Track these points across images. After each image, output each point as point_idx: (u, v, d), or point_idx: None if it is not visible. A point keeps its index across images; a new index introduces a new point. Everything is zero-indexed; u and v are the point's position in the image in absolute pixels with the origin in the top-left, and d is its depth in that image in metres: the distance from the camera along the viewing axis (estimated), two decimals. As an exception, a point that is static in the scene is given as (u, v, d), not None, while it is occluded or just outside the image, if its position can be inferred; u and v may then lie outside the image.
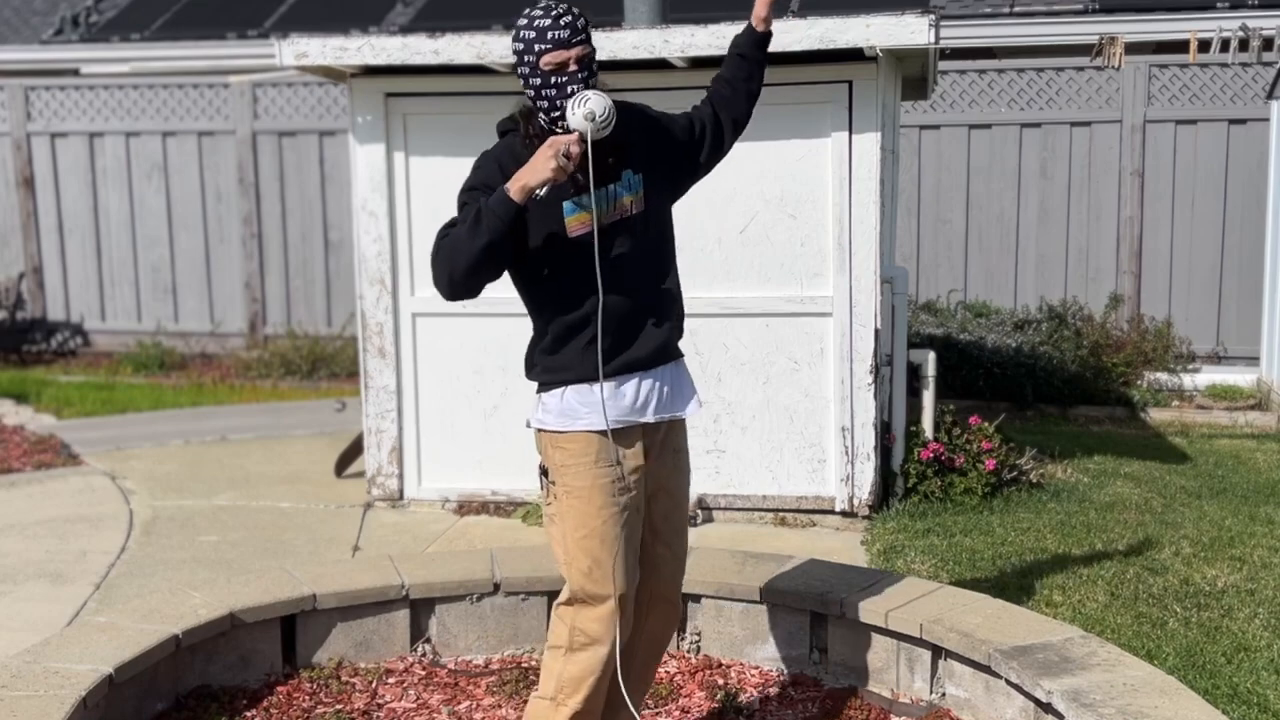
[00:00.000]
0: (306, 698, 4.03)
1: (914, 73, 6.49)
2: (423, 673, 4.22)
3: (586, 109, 2.89)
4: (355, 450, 6.60)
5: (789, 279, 5.66)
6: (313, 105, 10.75)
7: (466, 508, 5.93)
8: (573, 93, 2.99)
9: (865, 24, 5.14)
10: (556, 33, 2.96)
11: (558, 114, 3.01)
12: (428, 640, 4.36)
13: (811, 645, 4.20)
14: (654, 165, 3.18)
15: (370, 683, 4.13)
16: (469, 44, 5.44)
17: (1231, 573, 4.86)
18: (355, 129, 5.87)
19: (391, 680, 4.17)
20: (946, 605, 3.99)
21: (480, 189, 3.04)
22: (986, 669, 3.70)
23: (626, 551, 3.12)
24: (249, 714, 3.92)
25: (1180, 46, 8.64)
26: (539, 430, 3.18)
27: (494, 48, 5.41)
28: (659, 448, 3.23)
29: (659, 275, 3.18)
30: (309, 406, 8.81)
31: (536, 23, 2.98)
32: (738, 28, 5.19)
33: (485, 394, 5.91)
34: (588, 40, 3.03)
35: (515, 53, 3.04)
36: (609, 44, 5.32)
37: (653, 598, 3.30)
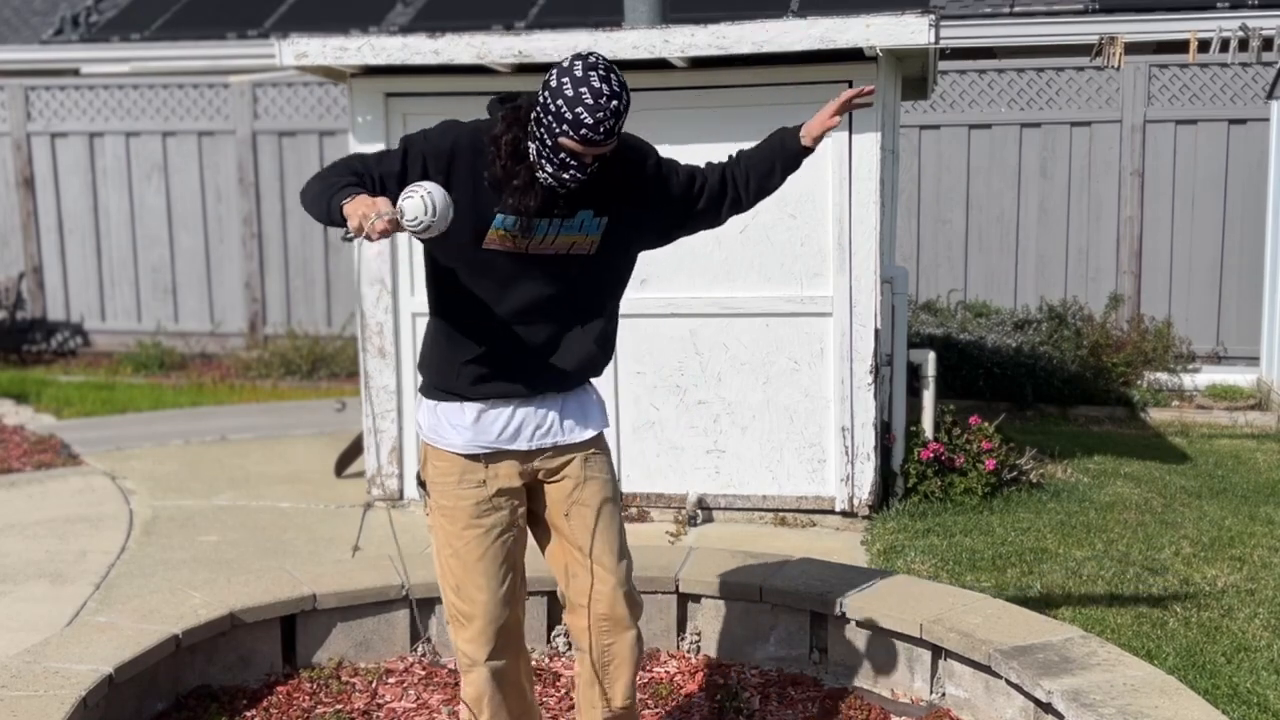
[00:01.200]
0: (306, 698, 4.03)
1: (914, 73, 6.49)
2: (423, 673, 4.22)
3: (406, 204, 2.64)
4: (355, 450, 6.60)
5: (789, 279, 5.66)
6: (313, 105, 10.76)
7: (466, 508, 5.93)
8: (525, 177, 2.81)
9: (865, 24, 5.13)
10: (591, 134, 2.71)
11: (543, 171, 2.81)
12: (428, 640, 4.36)
13: (811, 645, 4.20)
14: (625, 214, 2.99)
15: (370, 683, 4.13)
16: (469, 44, 5.44)
17: (1231, 573, 4.86)
18: (355, 129, 5.86)
19: (391, 680, 4.17)
20: (946, 605, 3.99)
21: (417, 152, 2.86)
22: (986, 669, 3.70)
23: (495, 574, 3.00)
24: (249, 714, 3.92)
25: (1180, 46, 8.64)
26: (418, 434, 3.10)
27: (494, 48, 5.41)
28: (556, 467, 3.06)
29: (579, 320, 3.00)
30: (309, 406, 8.81)
31: (578, 111, 2.70)
32: (738, 28, 5.22)
33: (485, 394, 5.91)
34: (619, 134, 2.82)
35: (541, 102, 2.76)
36: (609, 44, 5.32)
37: (595, 617, 3.08)
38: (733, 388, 5.73)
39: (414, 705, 4.00)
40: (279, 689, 4.07)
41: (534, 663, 4.30)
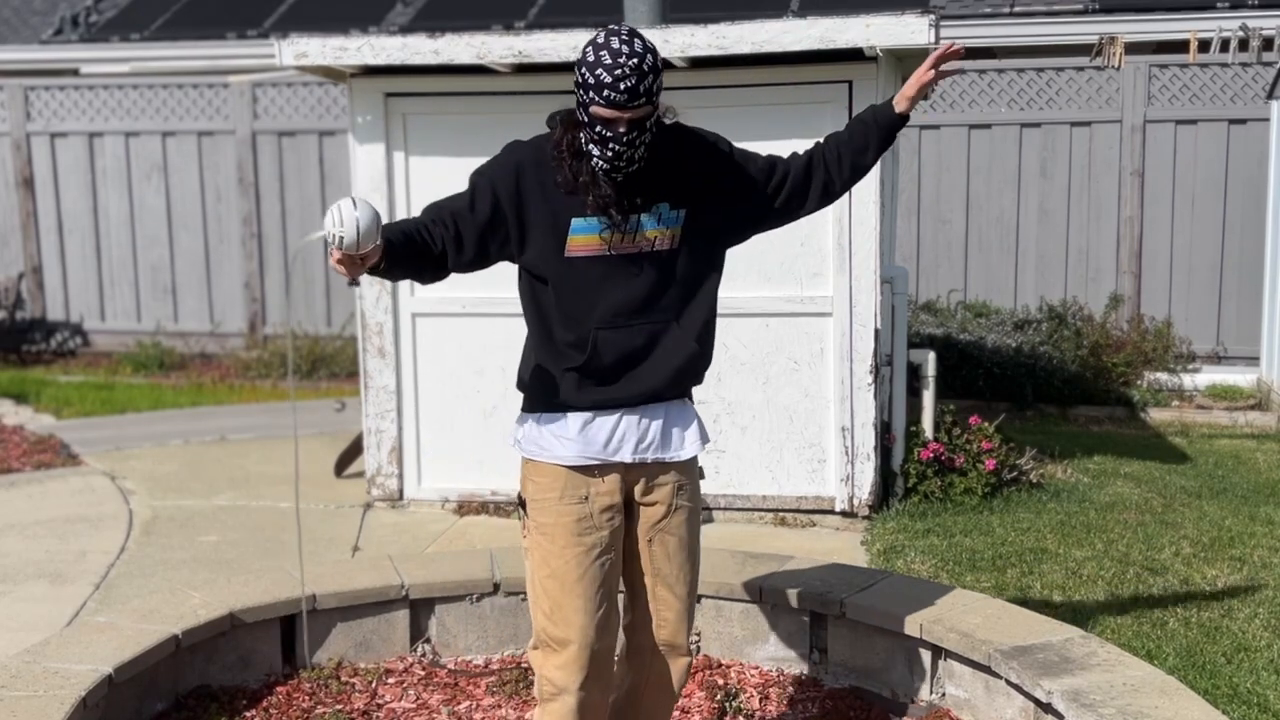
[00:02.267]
0: (306, 698, 4.03)
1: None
2: (422, 673, 4.22)
3: (328, 221, 2.65)
4: (355, 450, 6.60)
5: (789, 279, 5.66)
6: (312, 105, 10.75)
7: (466, 508, 5.93)
8: (589, 172, 2.80)
9: (865, 24, 5.13)
10: (613, 94, 2.71)
11: (595, 158, 2.81)
12: (427, 640, 4.36)
13: (811, 645, 4.20)
14: (704, 206, 2.95)
15: (370, 683, 4.13)
16: (469, 44, 5.44)
17: (1231, 573, 4.86)
18: (355, 129, 5.86)
19: (391, 680, 4.17)
20: (946, 605, 3.99)
21: (485, 182, 2.89)
22: (986, 669, 3.70)
23: (592, 596, 2.90)
24: (249, 714, 3.92)
25: (1180, 46, 8.63)
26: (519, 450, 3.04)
27: (494, 48, 5.41)
28: (650, 487, 3.00)
29: (674, 319, 2.94)
30: (309, 406, 8.81)
31: (599, 73, 2.71)
32: (738, 28, 5.22)
33: (485, 394, 5.91)
34: (649, 100, 2.76)
35: (576, 82, 2.79)
36: (609, 44, 5.32)
37: (656, 644, 3.06)
38: (732, 388, 5.73)
39: (414, 705, 4.00)
40: (279, 689, 4.07)
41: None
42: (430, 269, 2.92)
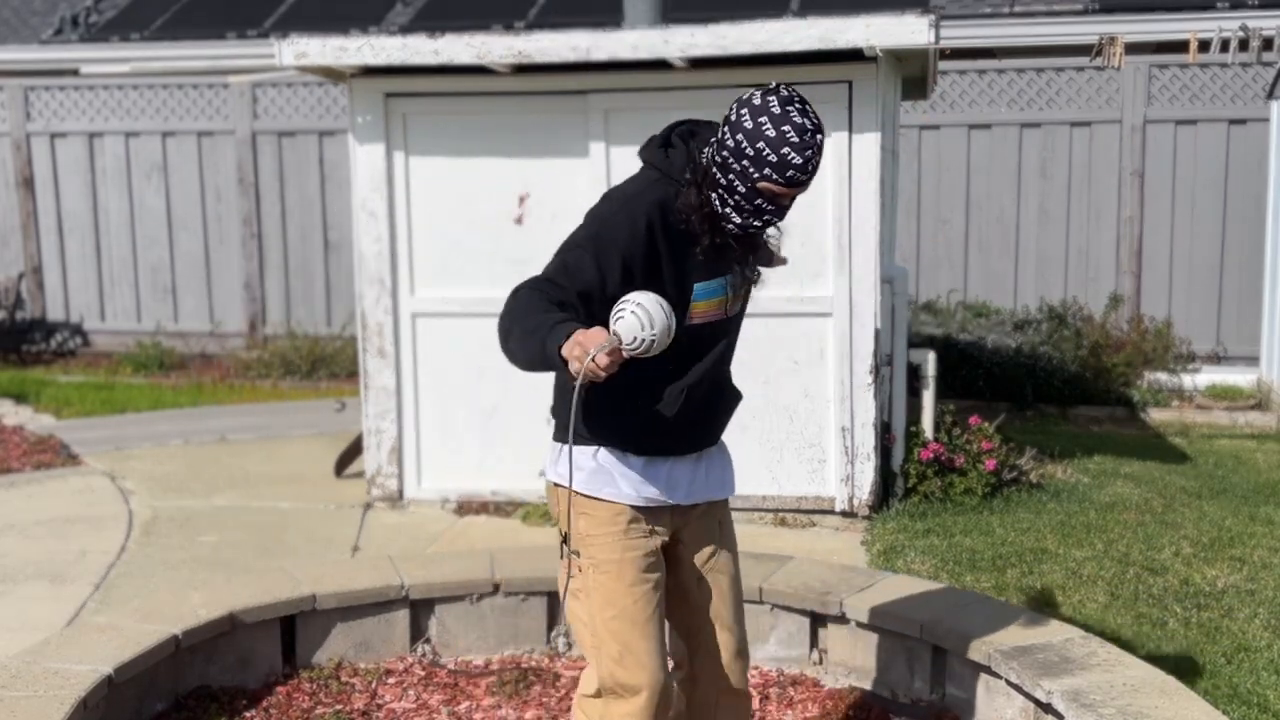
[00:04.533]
0: (306, 698, 4.03)
1: (914, 73, 6.48)
2: (422, 673, 4.22)
3: (620, 326, 2.38)
4: (355, 450, 6.60)
5: (789, 279, 5.66)
6: (312, 105, 10.75)
7: (466, 508, 5.93)
8: (719, 235, 2.63)
9: (865, 24, 5.13)
10: (797, 174, 2.55)
11: (731, 223, 2.64)
12: (427, 640, 4.36)
13: (811, 645, 4.20)
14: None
15: (370, 683, 4.13)
16: (469, 44, 5.44)
17: (1231, 573, 4.86)
18: (355, 129, 5.86)
19: (391, 680, 4.17)
20: (946, 605, 3.99)
21: (614, 255, 2.59)
22: (986, 669, 3.70)
23: (661, 637, 2.77)
24: (249, 714, 3.92)
25: (1180, 46, 8.63)
26: (557, 486, 2.83)
27: (494, 48, 5.41)
28: (696, 527, 2.91)
29: (728, 372, 2.93)
30: (309, 406, 8.80)
31: (784, 151, 2.52)
32: (738, 28, 5.22)
33: (485, 394, 5.91)
34: (813, 177, 2.62)
35: (732, 147, 2.56)
36: (609, 44, 5.32)
37: (722, 692, 2.94)
38: (733, 388, 5.72)
39: (414, 705, 4.00)
40: (279, 689, 4.07)
41: (533, 663, 4.30)
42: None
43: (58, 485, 6.54)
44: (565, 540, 2.82)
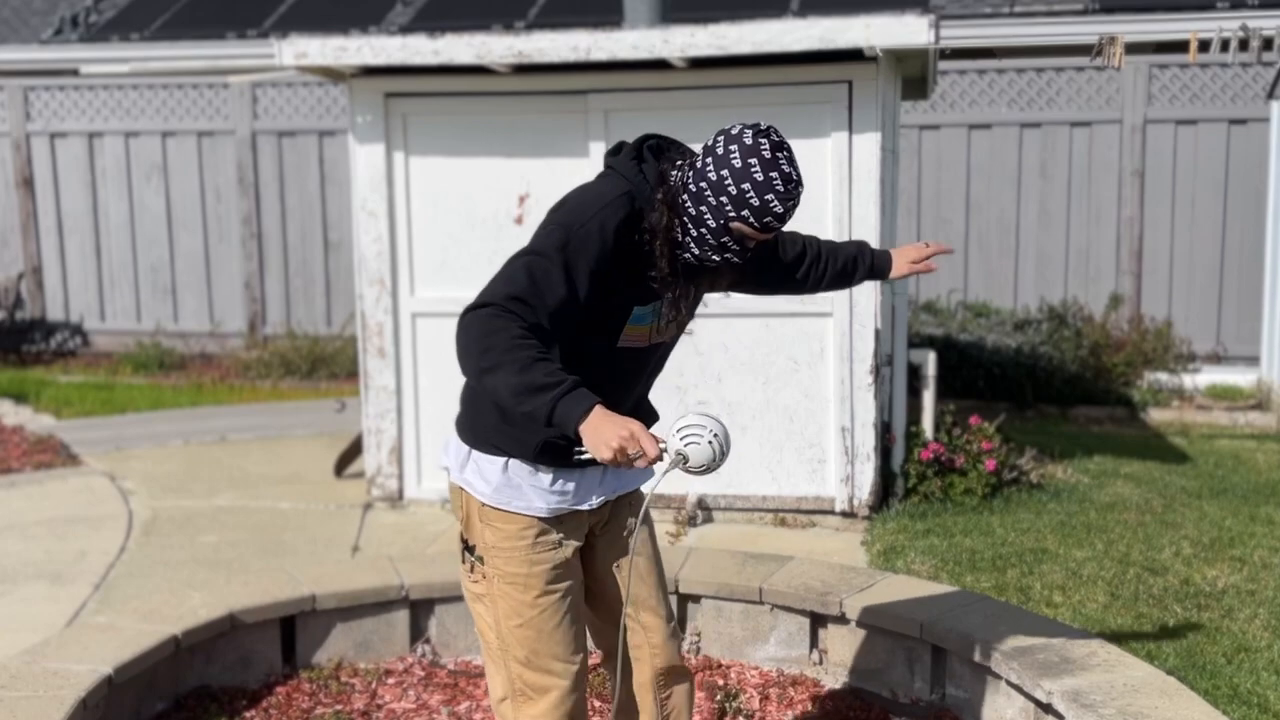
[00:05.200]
0: (306, 698, 4.03)
1: (914, 73, 6.48)
2: (422, 673, 4.22)
3: (692, 451, 2.42)
4: (355, 450, 6.60)
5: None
6: (312, 105, 10.75)
7: (466, 508, 5.92)
8: (673, 260, 2.56)
9: (865, 24, 5.13)
10: (774, 221, 2.51)
11: (689, 252, 2.57)
12: (427, 640, 4.36)
13: (811, 645, 4.20)
14: (717, 286, 2.81)
15: (370, 683, 4.13)
16: (468, 44, 5.44)
17: (1232, 573, 4.86)
18: (355, 129, 5.86)
19: (391, 681, 4.17)
20: (946, 605, 3.99)
21: (583, 269, 2.49)
22: (986, 669, 3.70)
23: (571, 641, 2.74)
24: (248, 714, 3.92)
25: (1180, 46, 8.64)
26: (463, 490, 2.73)
27: (494, 48, 5.41)
28: (609, 517, 2.86)
29: (647, 388, 2.84)
30: (309, 406, 8.80)
31: (768, 198, 2.47)
32: (738, 28, 5.22)
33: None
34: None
35: (713, 181, 2.49)
36: (609, 44, 5.32)
37: (654, 672, 2.90)
38: (733, 388, 5.73)
39: (414, 706, 4.00)
40: (279, 689, 4.07)
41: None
42: None
43: (58, 485, 6.54)
44: (468, 547, 2.75)
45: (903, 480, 5.88)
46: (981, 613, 3.93)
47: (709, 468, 2.43)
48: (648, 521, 2.91)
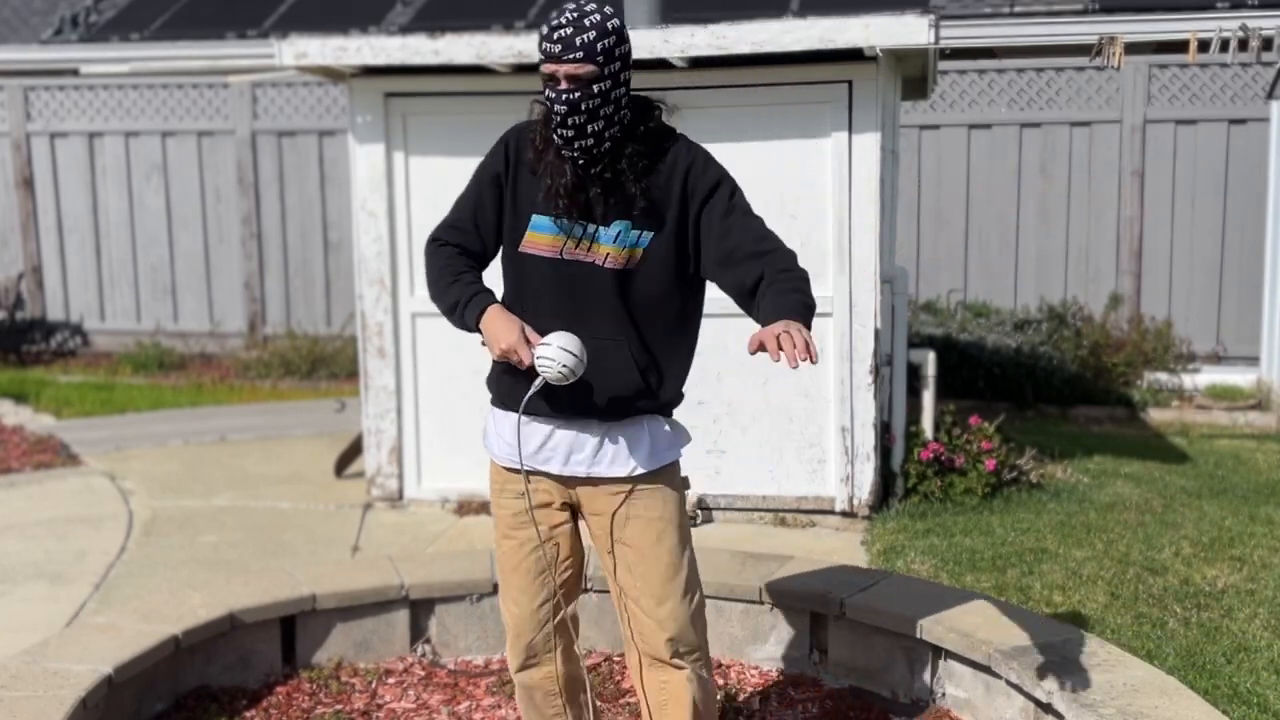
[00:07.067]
0: (306, 698, 4.03)
1: (914, 73, 6.48)
2: (422, 673, 4.22)
3: (546, 374, 2.69)
4: (355, 450, 6.60)
5: (789, 279, 5.65)
6: (312, 105, 10.75)
7: (466, 508, 5.93)
8: (555, 160, 2.76)
9: (865, 24, 5.13)
10: (547, 45, 2.68)
11: (556, 138, 2.75)
12: (427, 640, 4.36)
13: (811, 645, 4.20)
14: (670, 231, 2.79)
15: (370, 683, 4.13)
16: (469, 44, 5.44)
17: (1231, 573, 4.86)
18: (355, 129, 5.86)
19: (391, 680, 4.17)
20: (946, 605, 3.99)
21: (486, 172, 2.87)
22: (986, 669, 3.70)
23: (526, 588, 2.96)
24: (248, 714, 3.92)
25: (1180, 46, 8.64)
26: None
27: (494, 48, 5.41)
28: (601, 503, 2.90)
29: (619, 342, 2.80)
30: (309, 407, 8.80)
31: (544, 26, 2.71)
32: (737, 28, 5.22)
33: (485, 394, 5.91)
34: (590, 58, 2.65)
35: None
36: (609, 44, 5.31)
37: (646, 663, 2.98)
38: (732, 388, 5.73)
39: (414, 706, 4.00)
40: (279, 689, 4.07)
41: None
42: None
43: (57, 485, 6.54)
44: None
45: (902, 480, 5.88)
46: (981, 613, 3.93)
47: (565, 374, 2.68)
48: (647, 515, 2.90)
